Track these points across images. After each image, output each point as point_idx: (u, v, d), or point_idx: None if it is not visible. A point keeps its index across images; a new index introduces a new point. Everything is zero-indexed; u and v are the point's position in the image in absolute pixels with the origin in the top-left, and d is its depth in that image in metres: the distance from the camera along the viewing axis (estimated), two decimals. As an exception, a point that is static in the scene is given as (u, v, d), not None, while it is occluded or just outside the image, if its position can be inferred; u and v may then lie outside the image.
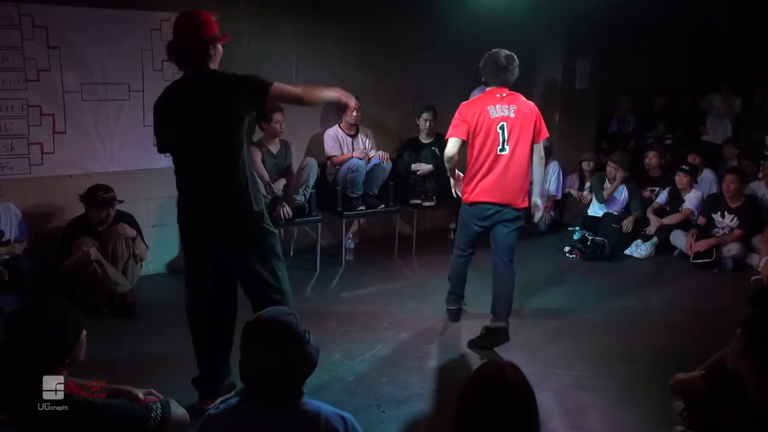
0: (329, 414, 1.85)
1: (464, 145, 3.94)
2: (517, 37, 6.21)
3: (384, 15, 5.80)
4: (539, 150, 3.99)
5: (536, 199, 4.10)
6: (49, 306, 2.11)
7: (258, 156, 5.04)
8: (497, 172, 3.88)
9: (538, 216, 4.20)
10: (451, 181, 4.16)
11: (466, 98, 5.96)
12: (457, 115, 3.94)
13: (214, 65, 2.99)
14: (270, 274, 3.12)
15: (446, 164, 4.05)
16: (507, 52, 3.96)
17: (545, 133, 4.01)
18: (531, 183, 4.10)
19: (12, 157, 4.44)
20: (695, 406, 2.66)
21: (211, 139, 2.90)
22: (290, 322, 1.87)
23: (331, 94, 3.19)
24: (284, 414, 1.83)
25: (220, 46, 3.01)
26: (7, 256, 4.21)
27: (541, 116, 3.96)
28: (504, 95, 3.90)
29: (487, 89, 3.97)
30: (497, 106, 3.86)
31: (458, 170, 4.14)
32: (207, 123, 2.88)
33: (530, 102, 3.99)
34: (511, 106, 3.88)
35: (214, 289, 3.13)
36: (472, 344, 3.96)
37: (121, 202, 4.47)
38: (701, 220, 5.82)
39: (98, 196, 4.33)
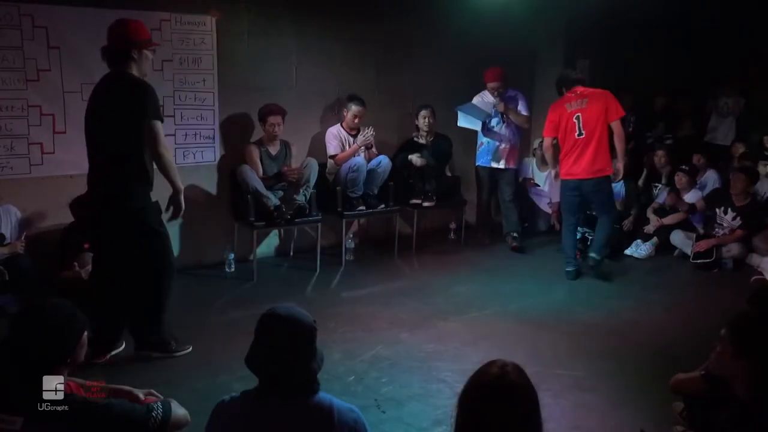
0: (342, 407, 1.91)
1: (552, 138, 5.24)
2: (517, 37, 6.24)
3: (384, 15, 5.80)
4: (616, 128, 4.97)
5: (617, 165, 5.17)
6: (53, 306, 2.10)
7: (256, 155, 5.09)
8: (576, 152, 5.01)
9: (618, 177, 5.36)
10: (552, 170, 5.50)
11: (467, 98, 6.02)
12: (547, 117, 5.20)
13: (137, 69, 3.36)
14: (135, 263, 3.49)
15: (545, 156, 5.50)
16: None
17: (618, 112, 4.95)
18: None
19: (12, 157, 4.44)
20: (695, 406, 2.66)
21: (105, 133, 3.33)
22: (308, 317, 1.95)
23: (178, 184, 3.45)
24: (298, 405, 1.87)
25: (147, 53, 3.40)
26: (8, 254, 4.20)
27: (611, 98, 4.96)
28: (578, 92, 5.03)
29: (565, 93, 5.12)
30: (573, 102, 5.02)
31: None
32: (105, 119, 3.33)
33: (603, 90, 5.03)
34: (584, 99, 4.99)
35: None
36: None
37: None
38: (700, 204, 5.85)
39: (77, 215, 4.33)
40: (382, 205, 5.65)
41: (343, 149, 5.54)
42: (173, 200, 3.50)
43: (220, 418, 1.93)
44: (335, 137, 5.57)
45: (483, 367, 1.65)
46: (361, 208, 5.49)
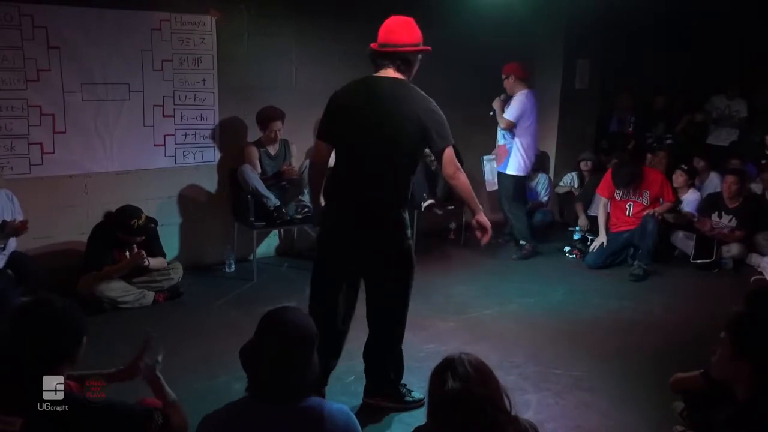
0: (332, 409, 1.89)
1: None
2: (517, 37, 6.23)
3: (384, 15, 5.74)
4: None
5: None
6: (53, 304, 2.09)
7: (255, 155, 5.09)
8: None
9: None
10: None
11: (467, 98, 6.01)
12: None
13: (408, 72, 3.04)
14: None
15: None
16: None
17: None
18: None
19: (12, 157, 4.43)
20: (695, 406, 2.66)
21: (387, 148, 2.93)
22: (310, 323, 1.93)
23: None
24: (288, 410, 1.85)
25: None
26: (14, 240, 4.17)
27: None
28: None
29: None
30: None
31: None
32: (389, 132, 2.93)
33: None
34: None
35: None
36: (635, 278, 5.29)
37: (156, 224, 4.51)
38: (702, 224, 5.75)
39: (132, 224, 4.28)
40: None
41: None
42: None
43: (207, 429, 1.89)
44: None
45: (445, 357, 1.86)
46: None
